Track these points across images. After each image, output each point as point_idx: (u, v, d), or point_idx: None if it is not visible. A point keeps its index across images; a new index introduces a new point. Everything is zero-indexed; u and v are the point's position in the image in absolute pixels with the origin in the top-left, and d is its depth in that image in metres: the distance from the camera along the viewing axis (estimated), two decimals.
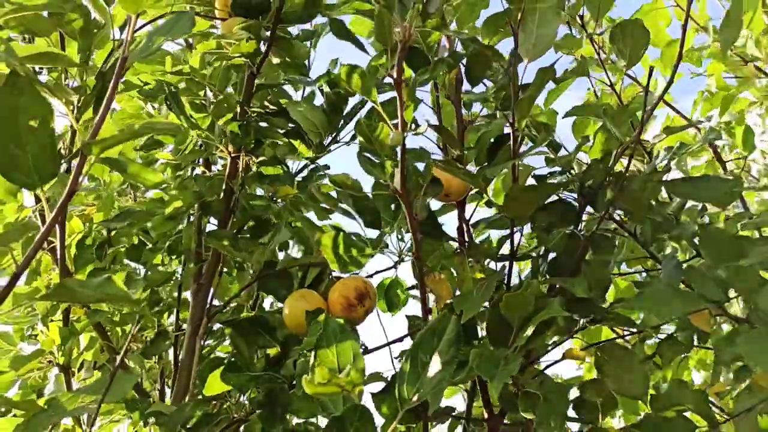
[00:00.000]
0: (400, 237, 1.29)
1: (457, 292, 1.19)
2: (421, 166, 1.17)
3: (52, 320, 1.21)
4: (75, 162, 1.15)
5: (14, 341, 1.24)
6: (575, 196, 1.24)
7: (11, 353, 1.17)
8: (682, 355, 1.45)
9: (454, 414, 1.29)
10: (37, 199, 0.93)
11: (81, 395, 0.88)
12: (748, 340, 0.88)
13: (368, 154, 0.94)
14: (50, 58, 0.90)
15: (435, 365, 0.78)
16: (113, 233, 1.32)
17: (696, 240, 1.12)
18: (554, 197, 1.23)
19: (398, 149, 0.96)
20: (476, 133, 1.28)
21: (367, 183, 1.50)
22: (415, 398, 0.79)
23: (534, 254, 1.21)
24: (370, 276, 1.32)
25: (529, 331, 0.91)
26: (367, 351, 1.14)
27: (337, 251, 1.04)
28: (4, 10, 1.02)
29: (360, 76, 0.90)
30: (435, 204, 1.29)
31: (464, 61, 1.22)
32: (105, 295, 0.77)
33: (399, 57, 0.92)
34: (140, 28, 1.39)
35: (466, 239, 1.22)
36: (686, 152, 1.50)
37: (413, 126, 1.09)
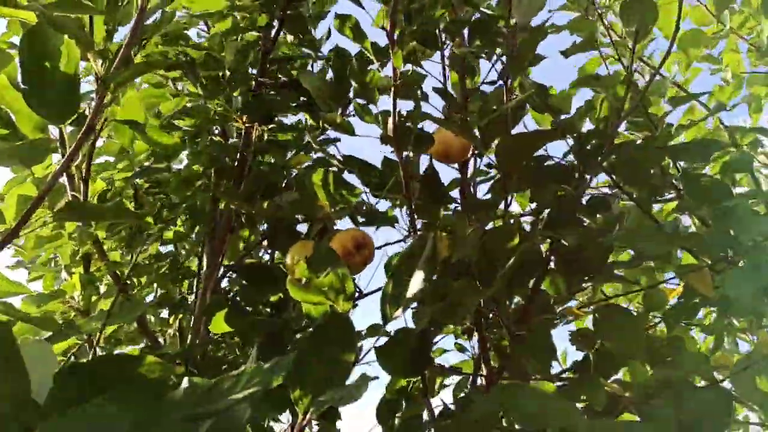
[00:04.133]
0: (409, 212, 1.34)
1: None
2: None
3: (73, 272, 1.30)
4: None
5: None
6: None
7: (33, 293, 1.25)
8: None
9: (459, 372, 1.32)
10: (60, 137, 1.02)
11: (94, 320, 0.96)
12: (731, 275, 0.89)
13: (361, 100, 1.00)
14: (74, 5, 0.99)
15: (416, 282, 0.83)
16: (140, 198, 1.41)
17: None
18: (552, 161, 1.28)
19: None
20: (479, 100, 1.33)
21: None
22: (398, 312, 0.83)
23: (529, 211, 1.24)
24: (379, 248, 1.37)
25: (511, 262, 0.94)
26: (362, 294, 1.19)
27: (327, 189, 1.09)
28: None
29: (353, 26, 0.97)
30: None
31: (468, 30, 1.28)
32: (118, 212, 0.84)
33: (392, 4, 0.98)
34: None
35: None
36: (693, 125, 1.53)
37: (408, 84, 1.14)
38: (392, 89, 0.97)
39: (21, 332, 1.18)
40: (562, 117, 1.38)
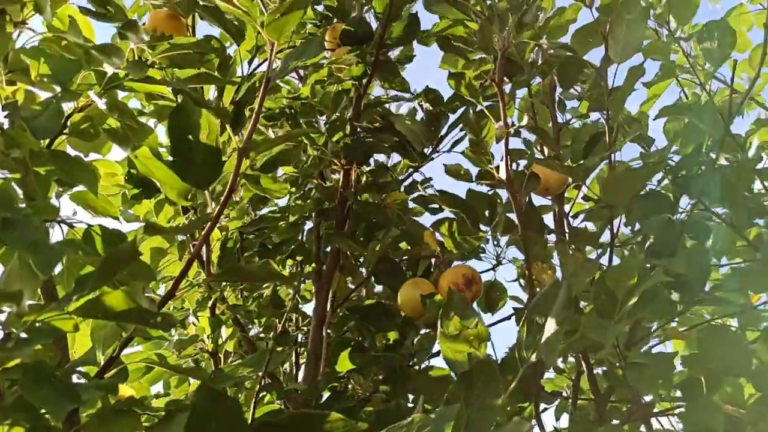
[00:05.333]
0: (496, 243, 1.40)
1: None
2: (521, 164, 1.29)
3: (199, 316, 1.39)
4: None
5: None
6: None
7: (172, 340, 1.35)
8: None
9: (561, 396, 1.36)
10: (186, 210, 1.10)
11: (242, 367, 1.04)
12: None
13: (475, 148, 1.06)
14: (206, 79, 1.09)
15: (550, 327, 0.88)
16: (245, 240, 1.50)
17: None
18: (649, 188, 1.32)
19: (502, 144, 1.08)
20: (571, 134, 1.38)
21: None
22: (533, 357, 0.89)
23: (633, 241, 1.28)
24: None
25: (635, 299, 0.98)
26: None
27: (453, 235, 1.16)
28: (161, 48, 1.22)
29: (467, 83, 1.03)
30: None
31: (556, 69, 1.34)
32: (267, 273, 0.92)
33: (500, 62, 1.04)
34: (260, 65, 1.59)
35: (566, 230, 1.31)
36: None
37: (514, 124, 1.20)
38: (505, 137, 1.03)
39: (157, 378, 1.28)
40: None
